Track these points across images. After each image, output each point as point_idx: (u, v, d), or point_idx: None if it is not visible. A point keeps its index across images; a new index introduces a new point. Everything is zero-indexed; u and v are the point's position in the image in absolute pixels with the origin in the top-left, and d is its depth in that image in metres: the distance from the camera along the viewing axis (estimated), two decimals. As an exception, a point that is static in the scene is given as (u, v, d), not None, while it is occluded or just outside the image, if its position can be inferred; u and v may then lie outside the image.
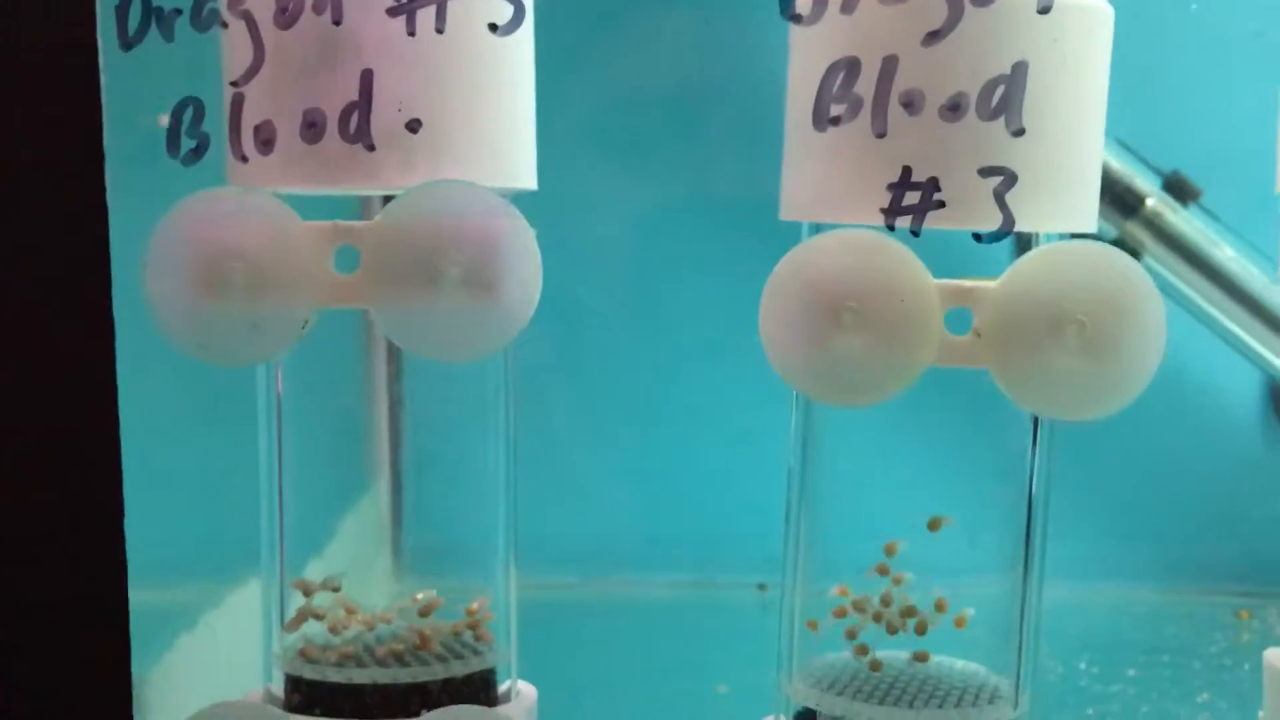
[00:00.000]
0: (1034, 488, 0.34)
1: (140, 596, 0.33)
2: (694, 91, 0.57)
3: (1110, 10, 0.31)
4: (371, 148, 0.31)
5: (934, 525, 0.35)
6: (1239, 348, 0.56)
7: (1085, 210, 0.32)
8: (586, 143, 0.54)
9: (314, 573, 0.38)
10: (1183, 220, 0.57)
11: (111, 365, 0.31)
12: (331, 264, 0.32)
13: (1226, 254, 0.56)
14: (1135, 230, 0.56)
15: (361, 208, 0.37)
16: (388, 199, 0.33)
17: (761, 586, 0.62)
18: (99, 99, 0.30)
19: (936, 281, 0.31)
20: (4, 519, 0.32)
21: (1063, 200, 0.31)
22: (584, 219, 0.58)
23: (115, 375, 0.31)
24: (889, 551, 0.35)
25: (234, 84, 0.31)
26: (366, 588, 0.41)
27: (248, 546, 0.39)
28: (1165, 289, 0.53)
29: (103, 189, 0.31)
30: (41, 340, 0.31)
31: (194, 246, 0.32)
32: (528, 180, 0.34)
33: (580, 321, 0.60)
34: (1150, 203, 0.56)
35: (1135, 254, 0.56)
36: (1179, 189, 0.57)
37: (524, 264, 0.32)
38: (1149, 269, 0.53)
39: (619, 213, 0.58)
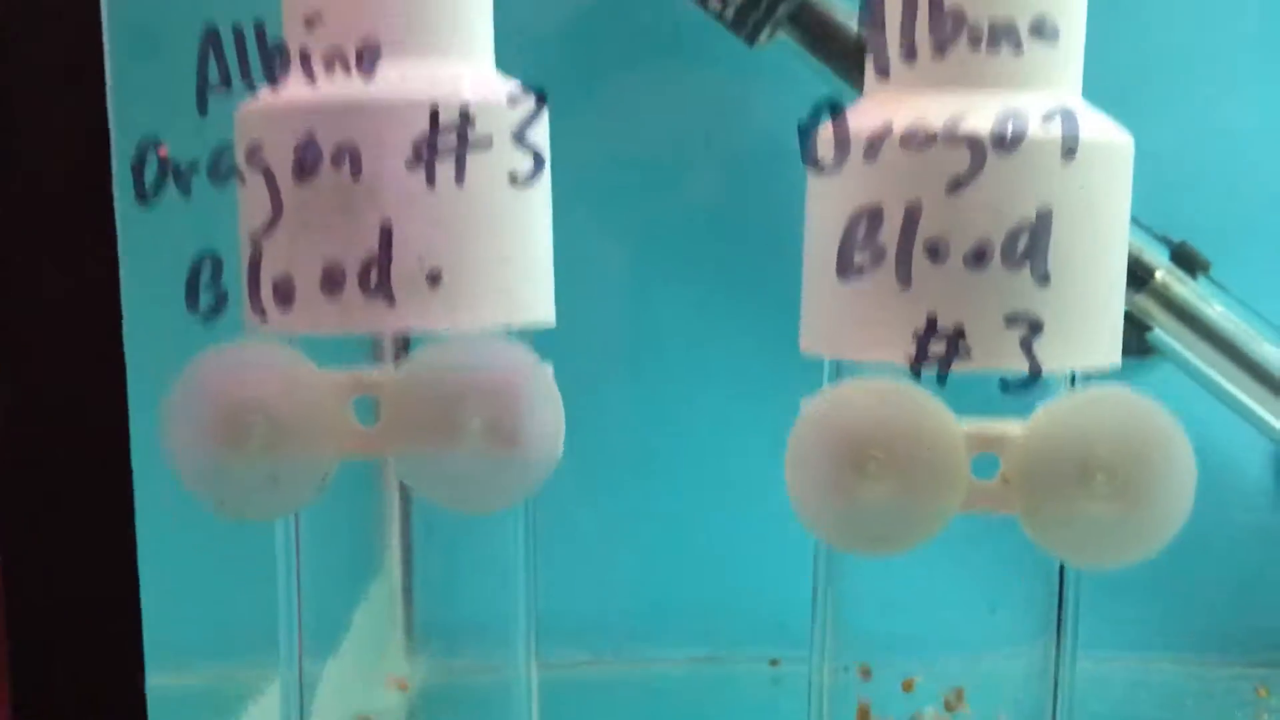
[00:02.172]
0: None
1: (159, 681, 0.33)
2: (688, 152, 0.56)
3: (1130, 139, 0.31)
4: (392, 300, 0.31)
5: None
6: (1249, 418, 0.56)
7: (1110, 346, 0.31)
8: (579, 203, 0.53)
9: (334, 669, 0.38)
10: (1191, 292, 0.57)
11: (126, 452, 0.31)
12: (351, 414, 0.32)
13: (1236, 325, 0.56)
14: (1144, 303, 0.56)
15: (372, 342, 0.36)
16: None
17: (773, 662, 0.62)
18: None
19: (963, 427, 0.30)
20: (17, 606, 0.31)
21: (1089, 340, 0.31)
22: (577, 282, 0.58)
23: (130, 465, 0.31)
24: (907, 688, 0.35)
25: (251, 238, 0.31)
26: (379, 669, 0.41)
27: (258, 634, 0.39)
28: (1175, 360, 0.53)
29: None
30: (54, 422, 0.31)
31: (212, 400, 0.31)
32: (546, 315, 0.34)
33: (575, 385, 0.60)
34: (1159, 275, 0.56)
35: (1145, 327, 0.56)
36: (1188, 260, 0.57)
37: (547, 415, 0.32)
38: (1158, 341, 0.53)
39: (614, 275, 0.58)
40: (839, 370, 0.33)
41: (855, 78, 0.46)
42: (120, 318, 0.31)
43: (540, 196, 0.33)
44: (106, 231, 0.30)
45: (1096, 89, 0.32)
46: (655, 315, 0.55)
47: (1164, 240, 0.57)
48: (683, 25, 0.51)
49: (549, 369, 0.32)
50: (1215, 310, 0.56)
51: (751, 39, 0.49)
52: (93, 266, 0.30)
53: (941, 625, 0.36)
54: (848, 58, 0.48)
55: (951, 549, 0.33)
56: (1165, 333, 0.55)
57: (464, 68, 0.32)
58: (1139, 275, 0.56)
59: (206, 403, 0.31)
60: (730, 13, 0.49)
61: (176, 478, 0.32)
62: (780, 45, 0.49)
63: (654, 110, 0.53)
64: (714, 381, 0.58)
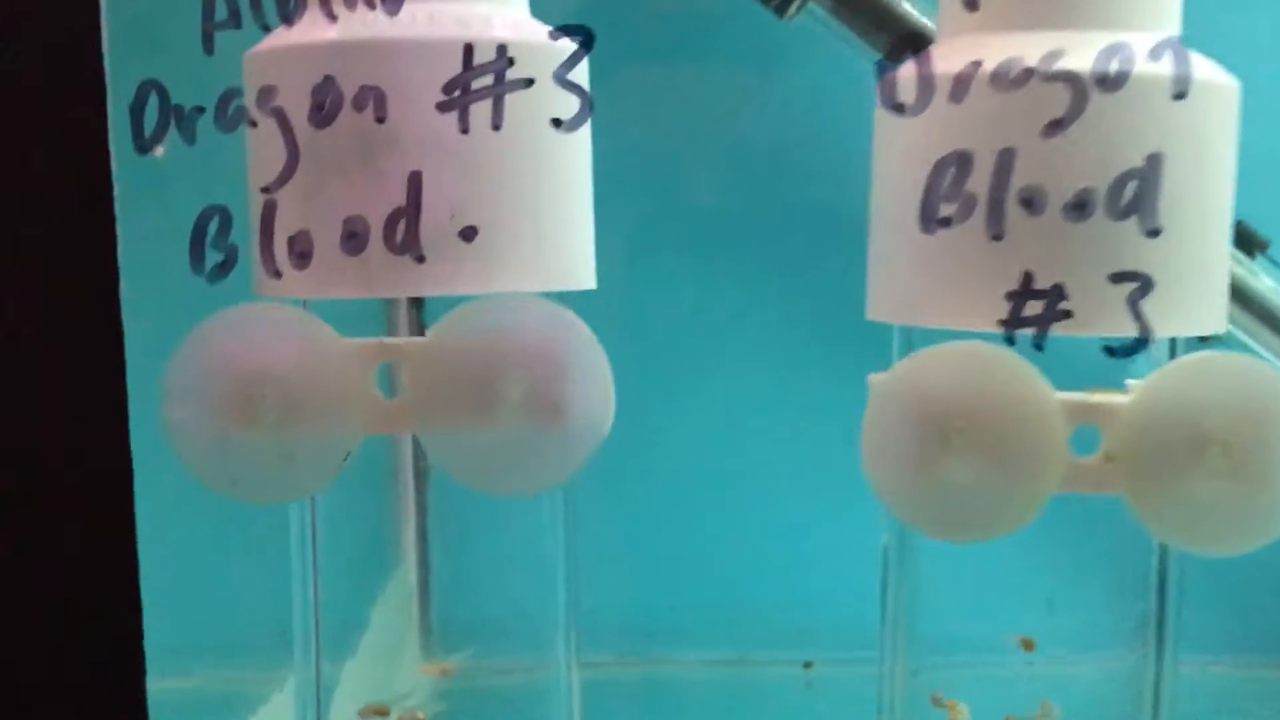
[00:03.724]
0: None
1: (160, 685, 0.30)
2: (714, 143, 0.53)
3: (1237, 84, 0.28)
4: (421, 259, 0.27)
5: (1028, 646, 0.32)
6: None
7: (1218, 310, 0.28)
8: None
9: (351, 672, 0.35)
10: (1249, 273, 0.53)
11: (126, 447, 0.28)
12: (374, 386, 0.29)
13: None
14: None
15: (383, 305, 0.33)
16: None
17: (807, 665, 0.59)
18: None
19: (1059, 397, 0.27)
20: (11, 602, 0.28)
21: (1198, 303, 0.27)
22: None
23: (129, 450, 0.28)
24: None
25: (265, 189, 0.28)
26: (394, 670, 0.38)
27: (272, 633, 0.36)
28: (1235, 346, 0.49)
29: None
30: (50, 412, 0.27)
31: (218, 370, 0.28)
32: (587, 280, 0.31)
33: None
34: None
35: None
36: (1245, 240, 0.54)
37: (593, 383, 0.28)
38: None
39: (637, 270, 0.55)
40: (910, 344, 0.30)
41: (891, 50, 0.44)
42: (117, 284, 0.27)
43: (583, 145, 0.30)
44: (102, 185, 0.26)
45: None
46: (683, 310, 0.52)
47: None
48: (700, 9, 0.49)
49: (593, 336, 0.28)
50: (1274, 291, 0.53)
51: (782, 10, 0.46)
52: (87, 226, 0.27)
53: (1021, 625, 0.33)
54: (883, 29, 0.45)
55: (1032, 537, 0.30)
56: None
57: (497, 6, 0.29)
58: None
59: (212, 373, 0.28)
60: (761, -19, 0.47)
61: (177, 456, 0.28)
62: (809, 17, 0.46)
63: (677, 100, 0.50)
64: (745, 379, 0.55)
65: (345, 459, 0.28)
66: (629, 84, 0.47)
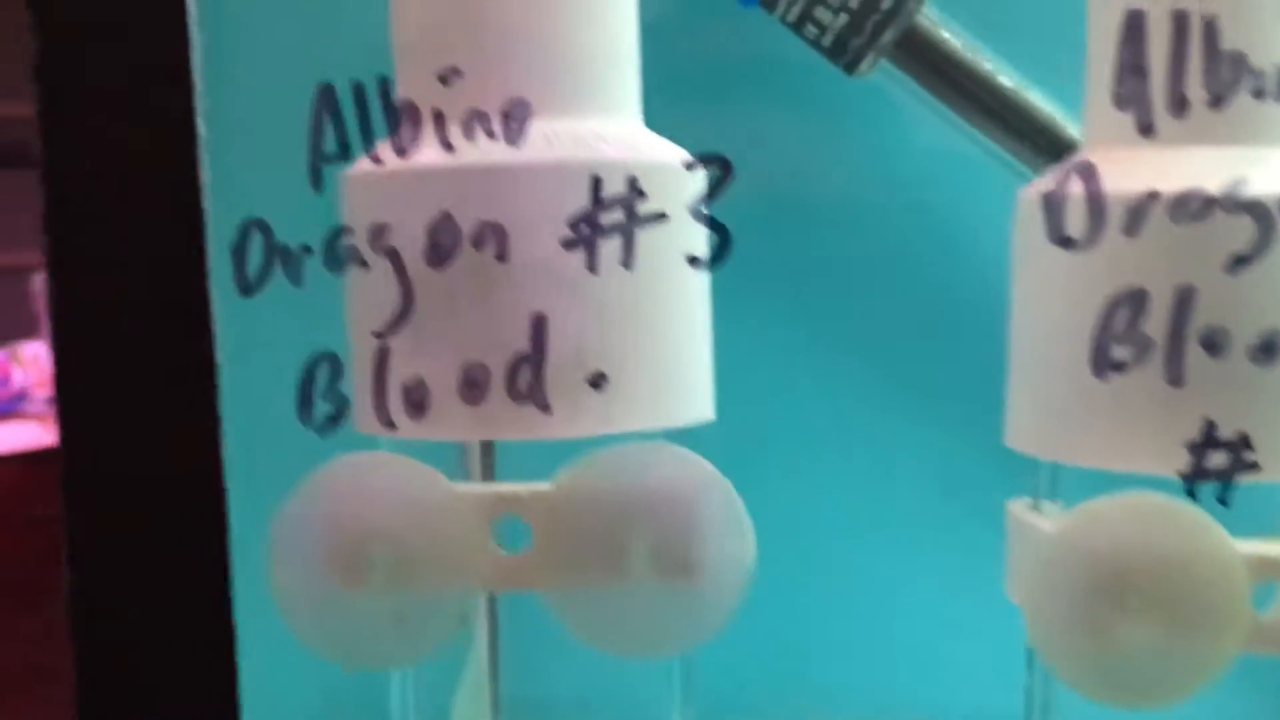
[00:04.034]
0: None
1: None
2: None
3: None
4: (546, 407, 0.25)
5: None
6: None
7: None
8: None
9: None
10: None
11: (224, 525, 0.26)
12: (491, 539, 0.27)
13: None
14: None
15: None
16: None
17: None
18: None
19: (1242, 550, 0.25)
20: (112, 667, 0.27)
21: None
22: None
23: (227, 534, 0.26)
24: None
25: (377, 334, 0.25)
26: None
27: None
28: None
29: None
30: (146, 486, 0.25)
31: (326, 526, 0.26)
32: (705, 410, 0.29)
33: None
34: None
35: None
36: None
37: (731, 537, 0.26)
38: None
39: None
40: (1054, 473, 0.28)
41: (966, 109, 0.41)
42: (219, 423, 0.25)
43: (705, 276, 0.27)
44: (203, 328, 0.24)
45: None
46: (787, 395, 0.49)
47: None
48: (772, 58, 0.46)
49: (730, 486, 0.26)
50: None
51: (852, 67, 0.44)
52: (188, 365, 0.25)
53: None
54: (959, 89, 0.43)
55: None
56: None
57: (614, 126, 0.27)
58: None
59: (319, 529, 0.26)
60: (829, 39, 0.44)
61: (285, 620, 0.26)
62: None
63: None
64: (840, 457, 0.52)
65: (461, 620, 0.26)
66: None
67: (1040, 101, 0.40)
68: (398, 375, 0.26)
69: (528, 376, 0.25)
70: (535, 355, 0.25)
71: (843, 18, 0.41)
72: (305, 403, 0.25)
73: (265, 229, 0.25)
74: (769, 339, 0.49)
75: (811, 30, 0.41)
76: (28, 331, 1.57)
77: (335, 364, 0.25)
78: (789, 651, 0.50)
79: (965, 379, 0.43)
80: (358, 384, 0.26)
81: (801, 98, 0.47)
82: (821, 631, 0.50)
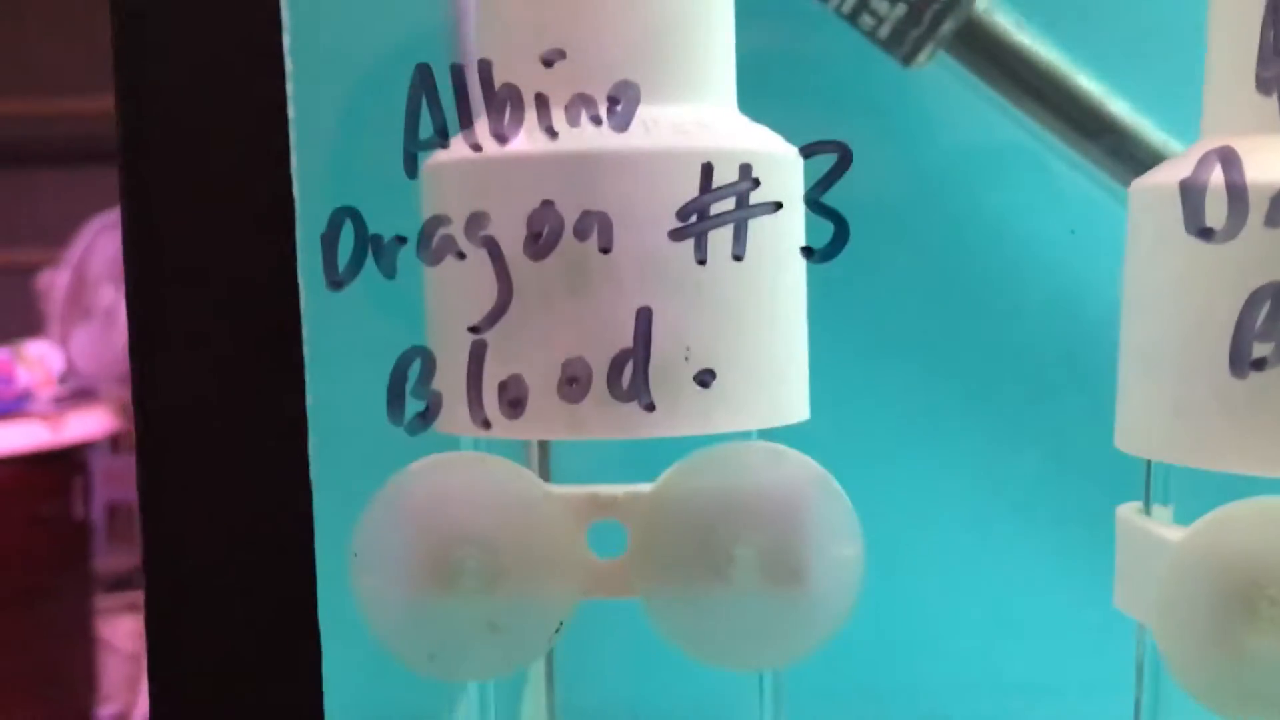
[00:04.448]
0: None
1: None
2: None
3: None
4: (650, 406, 0.24)
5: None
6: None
7: None
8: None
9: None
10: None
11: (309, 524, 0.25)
12: (585, 544, 0.25)
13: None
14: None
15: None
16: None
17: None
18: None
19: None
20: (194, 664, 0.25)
21: None
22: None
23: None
24: None
25: (473, 330, 0.24)
26: None
27: None
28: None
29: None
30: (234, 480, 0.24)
31: (416, 530, 0.25)
32: (802, 410, 0.27)
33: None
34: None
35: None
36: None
37: (842, 541, 0.25)
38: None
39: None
40: (1166, 476, 0.27)
41: (1026, 102, 0.40)
42: (306, 439, 0.24)
43: (802, 265, 0.26)
44: (291, 323, 0.23)
45: None
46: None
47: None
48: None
49: (839, 488, 0.25)
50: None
51: (909, 58, 0.43)
52: (276, 367, 0.23)
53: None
54: (1019, 81, 0.42)
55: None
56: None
57: (712, 113, 0.25)
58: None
59: (409, 533, 0.25)
60: (886, 30, 0.43)
61: (369, 626, 0.25)
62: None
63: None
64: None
65: (557, 629, 0.25)
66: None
67: (1107, 95, 0.39)
68: (493, 372, 0.24)
69: (630, 374, 0.24)
70: (640, 352, 0.24)
71: (900, 8, 0.40)
72: (396, 400, 0.24)
73: (357, 218, 0.23)
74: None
75: (868, 21, 0.40)
76: (33, 330, 1.55)
77: (428, 360, 0.24)
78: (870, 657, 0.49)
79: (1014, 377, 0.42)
80: (448, 382, 0.25)
81: (846, 93, 0.46)
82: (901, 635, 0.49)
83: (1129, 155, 0.41)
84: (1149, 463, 0.28)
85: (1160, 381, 0.26)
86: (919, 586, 0.49)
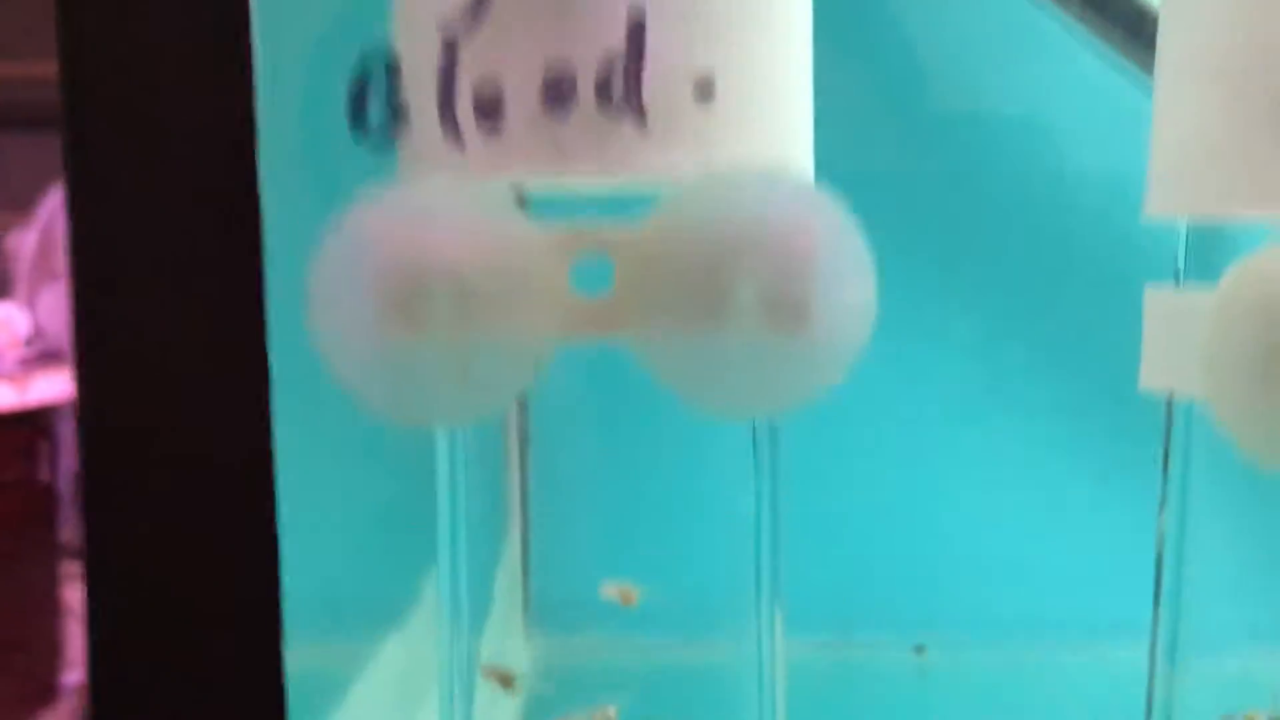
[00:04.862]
0: None
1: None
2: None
3: None
4: (641, 112, 0.22)
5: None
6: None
7: None
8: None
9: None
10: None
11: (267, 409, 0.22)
12: (569, 282, 0.23)
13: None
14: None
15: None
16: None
17: (919, 649, 0.53)
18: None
19: None
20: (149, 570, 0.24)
21: None
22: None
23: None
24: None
25: (443, 32, 0.22)
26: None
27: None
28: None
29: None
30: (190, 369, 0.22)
31: (380, 263, 0.22)
32: (806, 142, 0.25)
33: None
34: None
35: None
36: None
37: (848, 280, 0.22)
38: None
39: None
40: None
41: (1133, 51, 0.39)
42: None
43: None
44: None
45: None
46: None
47: None
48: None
49: (850, 222, 0.23)
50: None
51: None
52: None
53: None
54: (1128, 28, 0.40)
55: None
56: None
57: None
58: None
59: (372, 266, 0.22)
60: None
61: (328, 368, 0.22)
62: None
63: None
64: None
65: (535, 370, 0.23)
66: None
67: None
68: (467, 74, 0.22)
69: (623, 81, 0.22)
70: (632, 53, 0.22)
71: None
72: (357, 108, 0.21)
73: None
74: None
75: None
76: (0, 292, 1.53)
77: (393, 65, 0.22)
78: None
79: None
80: (417, 98, 0.23)
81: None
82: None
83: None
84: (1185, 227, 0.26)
85: (1203, 111, 0.23)
86: (909, 478, 0.48)
